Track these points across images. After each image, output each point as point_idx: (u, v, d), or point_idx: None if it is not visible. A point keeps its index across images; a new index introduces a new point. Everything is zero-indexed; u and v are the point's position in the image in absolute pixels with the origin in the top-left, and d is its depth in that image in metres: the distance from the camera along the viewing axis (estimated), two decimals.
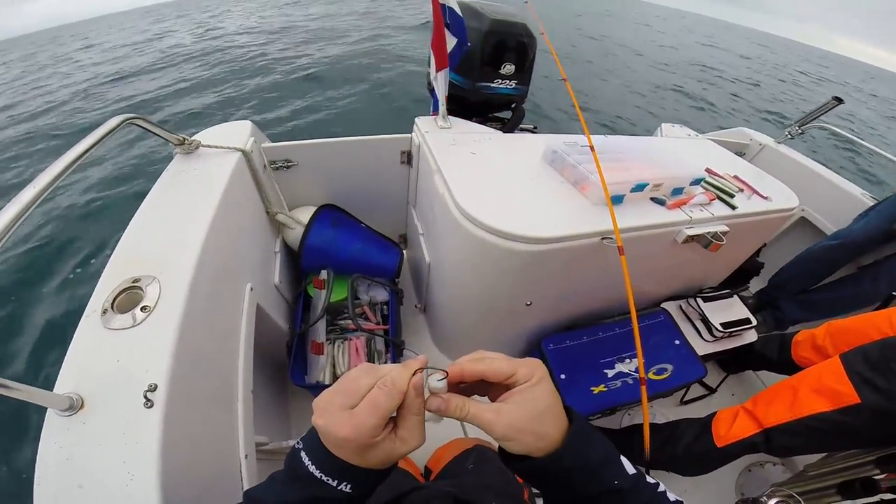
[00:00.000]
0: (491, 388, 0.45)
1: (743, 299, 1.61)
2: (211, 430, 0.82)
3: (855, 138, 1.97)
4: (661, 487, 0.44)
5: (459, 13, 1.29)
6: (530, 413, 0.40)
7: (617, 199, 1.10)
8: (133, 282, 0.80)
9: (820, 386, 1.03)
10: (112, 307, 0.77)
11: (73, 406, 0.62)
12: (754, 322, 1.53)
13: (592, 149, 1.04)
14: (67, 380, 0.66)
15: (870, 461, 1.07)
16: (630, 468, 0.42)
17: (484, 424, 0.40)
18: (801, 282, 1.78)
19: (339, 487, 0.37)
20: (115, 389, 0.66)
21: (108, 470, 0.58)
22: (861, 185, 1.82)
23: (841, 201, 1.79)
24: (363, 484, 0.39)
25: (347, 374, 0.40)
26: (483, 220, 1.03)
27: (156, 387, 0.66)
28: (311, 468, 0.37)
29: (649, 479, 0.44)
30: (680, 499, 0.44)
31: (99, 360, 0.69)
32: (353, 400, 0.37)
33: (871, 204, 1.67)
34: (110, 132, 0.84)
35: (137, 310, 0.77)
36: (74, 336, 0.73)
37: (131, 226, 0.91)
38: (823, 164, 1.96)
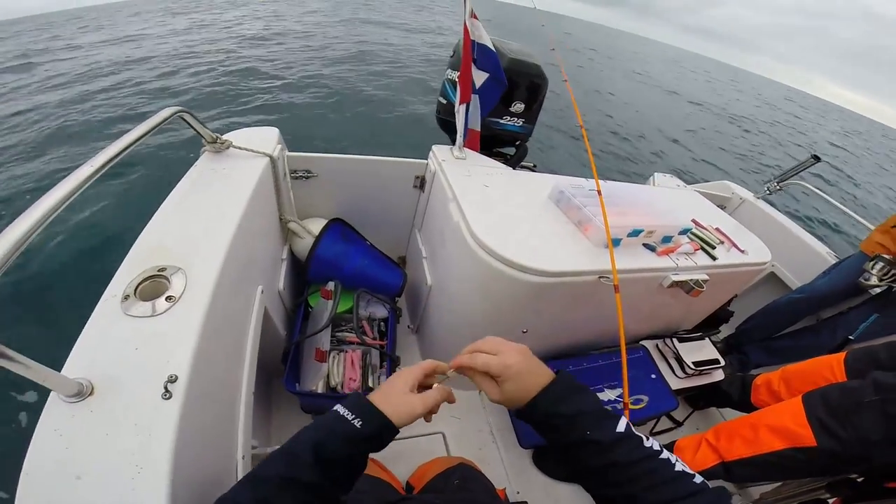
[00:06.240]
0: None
1: (713, 343, 1.74)
2: (217, 429, 0.81)
3: (828, 198, 2.10)
4: (673, 460, 0.49)
5: (493, 50, 1.34)
6: (511, 395, 0.57)
7: (615, 242, 1.20)
8: (158, 270, 0.81)
9: (779, 425, 1.13)
10: (135, 293, 0.77)
11: (82, 392, 0.59)
12: (722, 362, 1.64)
13: (600, 193, 1.14)
14: (78, 363, 0.64)
15: (821, 487, 1.20)
16: (620, 427, 0.51)
17: (487, 390, 0.59)
18: (766, 330, 1.94)
19: (352, 421, 0.50)
20: (131, 378, 0.64)
21: (113, 462, 0.55)
22: (844, 236, 1.92)
23: (808, 258, 1.94)
24: (370, 424, 0.51)
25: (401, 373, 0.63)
26: (496, 250, 1.09)
27: (176, 378, 0.65)
28: (344, 412, 0.52)
29: (652, 446, 0.50)
30: (706, 482, 0.47)
31: (116, 346, 0.67)
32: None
33: (834, 262, 1.84)
34: (162, 122, 0.87)
35: (161, 299, 0.77)
36: (90, 319, 0.71)
37: (157, 215, 0.92)
38: (801, 218, 2.06)
